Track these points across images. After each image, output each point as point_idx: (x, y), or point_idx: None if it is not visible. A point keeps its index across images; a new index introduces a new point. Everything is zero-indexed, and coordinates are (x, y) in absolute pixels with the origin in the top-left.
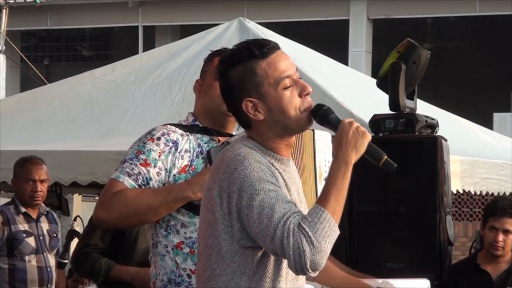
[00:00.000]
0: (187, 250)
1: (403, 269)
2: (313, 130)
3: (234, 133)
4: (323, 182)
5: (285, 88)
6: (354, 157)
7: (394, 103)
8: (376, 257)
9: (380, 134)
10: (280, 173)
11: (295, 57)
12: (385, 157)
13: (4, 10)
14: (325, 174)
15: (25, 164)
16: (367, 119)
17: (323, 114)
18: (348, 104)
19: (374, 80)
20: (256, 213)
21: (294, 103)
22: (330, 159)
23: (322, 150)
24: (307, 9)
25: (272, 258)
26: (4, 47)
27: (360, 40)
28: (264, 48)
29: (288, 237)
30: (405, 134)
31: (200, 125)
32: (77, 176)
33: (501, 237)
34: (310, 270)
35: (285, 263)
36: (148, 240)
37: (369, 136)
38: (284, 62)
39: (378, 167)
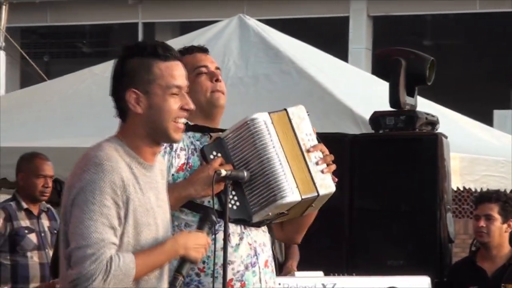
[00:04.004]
0: None
1: (403, 266)
2: (286, 110)
3: (224, 128)
4: (311, 157)
5: (172, 94)
6: (181, 253)
7: (394, 100)
8: (376, 254)
9: (380, 131)
10: (136, 177)
11: (295, 54)
12: (179, 276)
13: (4, 7)
14: (309, 145)
15: (35, 160)
16: (367, 116)
17: (210, 221)
18: (348, 101)
19: (374, 77)
20: (81, 218)
21: (173, 111)
22: (310, 129)
23: (300, 126)
24: (307, 6)
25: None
26: (3, 44)
27: (360, 37)
28: (168, 53)
29: (94, 262)
30: (406, 131)
31: (190, 123)
32: None
33: (482, 222)
34: None
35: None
36: None
37: (198, 258)
38: (180, 73)
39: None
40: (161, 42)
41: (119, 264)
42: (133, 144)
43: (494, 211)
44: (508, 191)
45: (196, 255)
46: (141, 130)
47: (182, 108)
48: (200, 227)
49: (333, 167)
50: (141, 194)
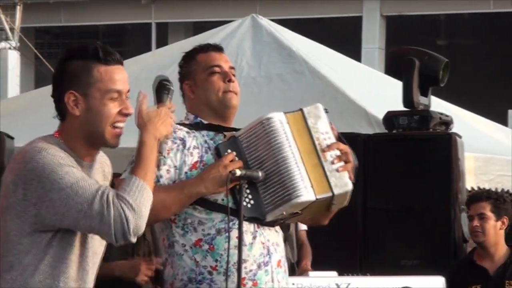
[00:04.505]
0: (206, 247)
1: (417, 266)
2: (301, 109)
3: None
4: (327, 156)
5: (111, 99)
6: (158, 135)
7: (407, 100)
8: (390, 254)
9: (394, 131)
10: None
11: (308, 54)
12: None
13: (19, 7)
14: (325, 144)
15: None
16: (380, 115)
17: (164, 86)
18: (361, 100)
19: (388, 77)
20: (63, 195)
21: (111, 115)
22: (328, 128)
23: (316, 125)
24: (320, 6)
25: (60, 238)
26: (18, 44)
27: (373, 37)
28: (110, 57)
29: (109, 208)
30: (419, 131)
31: (204, 122)
32: None
33: (476, 222)
34: (132, 236)
35: (76, 241)
36: (161, 241)
37: (170, 130)
38: (121, 77)
39: None
40: (104, 45)
41: (129, 190)
42: (70, 144)
43: (487, 209)
44: None
45: (168, 129)
46: (78, 132)
47: (120, 113)
48: (159, 99)
49: (350, 165)
50: None
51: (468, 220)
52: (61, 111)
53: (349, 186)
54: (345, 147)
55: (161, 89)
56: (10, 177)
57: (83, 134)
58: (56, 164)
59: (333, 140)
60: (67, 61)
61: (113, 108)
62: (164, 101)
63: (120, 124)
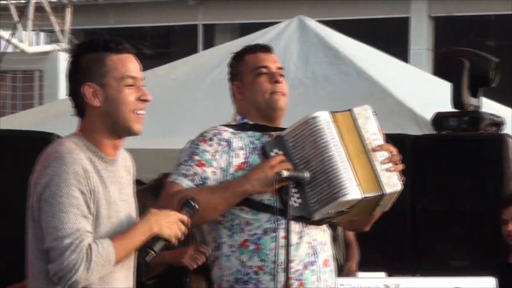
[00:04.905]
0: (252, 247)
1: (467, 267)
2: (350, 110)
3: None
4: (377, 156)
5: (127, 85)
6: (155, 231)
7: (457, 101)
8: (440, 255)
9: (443, 132)
10: (98, 170)
11: (356, 55)
12: (150, 252)
13: (68, 9)
14: (374, 144)
15: None
16: (428, 116)
17: (188, 206)
18: (409, 102)
19: (435, 78)
20: (51, 212)
21: (129, 102)
22: (376, 129)
23: (365, 126)
24: (367, 7)
25: None
26: (68, 46)
27: (420, 38)
28: (120, 46)
29: (73, 252)
30: (469, 132)
31: (250, 123)
32: (141, 174)
33: (510, 226)
34: (66, 285)
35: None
36: (208, 243)
37: (172, 235)
38: (134, 65)
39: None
40: (112, 37)
41: (99, 251)
42: (92, 139)
43: None
44: None
45: (169, 232)
46: (100, 124)
47: (139, 99)
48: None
49: (400, 166)
50: (103, 187)
51: (504, 226)
52: (80, 106)
53: (399, 186)
54: (395, 150)
55: (185, 205)
56: (33, 178)
57: (106, 125)
58: (64, 180)
59: (382, 141)
60: (78, 56)
61: (130, 94)
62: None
63: (141, 111)
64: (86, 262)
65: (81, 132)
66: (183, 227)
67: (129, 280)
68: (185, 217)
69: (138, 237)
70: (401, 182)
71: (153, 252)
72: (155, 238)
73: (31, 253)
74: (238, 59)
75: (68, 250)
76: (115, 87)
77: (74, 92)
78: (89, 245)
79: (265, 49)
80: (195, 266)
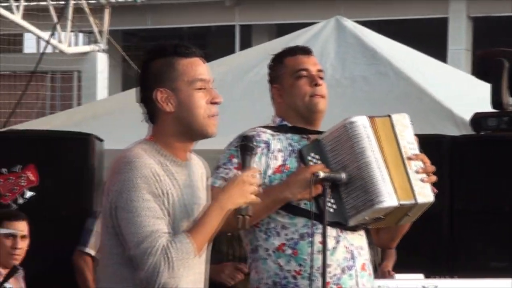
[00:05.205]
0: (289, 251)
1: (507, 268)
2: (389, 116)
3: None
4: (412, 165)
5: (198, 89)
6: (229, 206)
7: (496, 101)
8: (478, 256)
9: (482, 133)
10: (171, 173)
11: (394, 56)
12: (241, 215)
13: (106, 10)
14: (410, 153)
15: None
16: (467, 117)
17: (247, 148)
18: (448, 102)
19: (474, 78)
20: (127, 218)
21: (201, 105)
22: (412, 138)
23: (403, 133)
24: (405, 7)
25: None
26: (107, 47)
27: (459, 38)
28: (189, 50)
29: (150, 254)
30: (508, 132)
31: (289, 125)
32: None
33: None
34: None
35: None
36: (244, 246)
37: (248, 198)
38: (203, 68)
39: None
40: (180, 42)
41: (177, 247)
42: (164, 143)
43: None
44: None
45: (245, 199)
46: (173, 129)
47: (210, 102)
48: (243, 162)
49: (434, 178)
50: (177, 190)
51: None
52: (152, 112)
53: (432, 198)
54: (429, 161)
55: (244, 150)
56: (106, 185)
57: (179, 130)
58: (135, 184)
59: (417, 151)
60: (148, 62)
61: (201, 98)
62: (247, 165)
63: (214, 113)
64: (166, 262)
65: (153, 137)
66: (255, 180)
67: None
68: (254, 169)
69: (213, 220)
70: (433, 194)
71: (242, 218)
72: (238, 208)
73: (106, 257)
74: (277, 61)
75: (146, 254)
76: (186, 91)
77: (146, 98)
78: (166, 245)
79: (305, 51)
80: (232, 283)
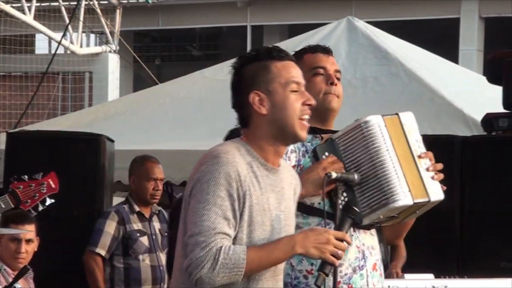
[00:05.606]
0: None
1: None
2: (397, 114)
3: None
4: (422, 163)
5: (292, 91)
6: (300, 251)
7: (508, 102)
8: (488, 256)
9: (493, 133)
10: (256, 176)
11: (405, 56)
12: (321, 274)
13: (118, 11)
14: (419, 151)
15: (146, 163)
16: (479, 118)
17: (350, 211)
18: (459, 103)
19: (485, 79)
20: (196, 207)
21: (296, 107)
22: (419, 136)
23: (411, 131)
24: (417, 7)
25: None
26: (118, 47)
27: (471, 38)
28: (282, 53)
29: (203, 248)
30: None
31: None
32: (188, 176)
33: None
34: (194, 284)
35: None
36: None
37: (323, 256)
38: (296, 71)
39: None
40: (273, 46)
41: (229, 253)
42: (256, 145)
43: None
44: None
45: (317, 253)
46: (266, 131)
47: (304, 104)
48: (340, 225)
49: (442, 175)
50: (259, 193)
51: None
52: (246, 116)
53: (442, 196)
54: (433, 159)
55: (346, 213)
56: (191, 174)
57: (272, 133)
58: (213, 179)
59: (424, 149)
60: (242, 68)
61: (296, 100)
62: (342, 229)
63: (306, 116)
64: (212, 261)
65: (246, 138)
66: (341, 244)
67: None
68: (340, 233)
69: (277, 253)
70: (443, 192)
71: (323, 276)
72: (322, 261)
73: (179, 246)
74: (297, 57)
75: (199, 246)
76: (281, 93)
77: (240, 102)
78: (220, 247)
79: (325, 50)
80: None
